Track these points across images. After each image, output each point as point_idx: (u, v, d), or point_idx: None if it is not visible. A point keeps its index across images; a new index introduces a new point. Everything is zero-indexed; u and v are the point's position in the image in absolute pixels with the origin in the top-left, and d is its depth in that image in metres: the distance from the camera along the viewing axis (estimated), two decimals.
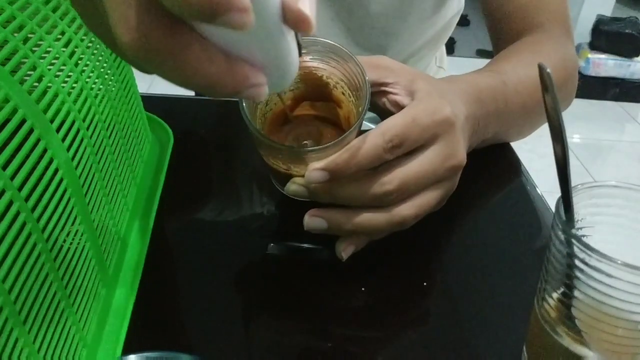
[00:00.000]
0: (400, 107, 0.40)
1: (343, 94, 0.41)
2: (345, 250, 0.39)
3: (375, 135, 0.36)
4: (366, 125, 0.40)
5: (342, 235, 0.39)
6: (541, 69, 0.26)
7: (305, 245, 0.43)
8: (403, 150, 0.37)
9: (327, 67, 0.40)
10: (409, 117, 0.37)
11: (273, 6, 0.19)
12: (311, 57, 0.39)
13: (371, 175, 0.37)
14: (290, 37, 0.22)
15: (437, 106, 0.39)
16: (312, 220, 0.38)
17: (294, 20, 0.20)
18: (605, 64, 2.71)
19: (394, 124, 0.37)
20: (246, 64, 0.21)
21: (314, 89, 0.41)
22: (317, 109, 0.43)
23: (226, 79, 0.20)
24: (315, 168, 0.36)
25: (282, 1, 0.19)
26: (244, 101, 0.36)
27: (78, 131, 0.34)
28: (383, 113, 0.42)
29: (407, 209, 0.38)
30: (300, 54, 0.23)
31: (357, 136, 0.37)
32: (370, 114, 0.40)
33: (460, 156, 0.40)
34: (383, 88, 0.41)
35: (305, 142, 0.42)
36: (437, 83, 0.43)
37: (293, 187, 0.38)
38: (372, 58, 0.42)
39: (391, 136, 0.36)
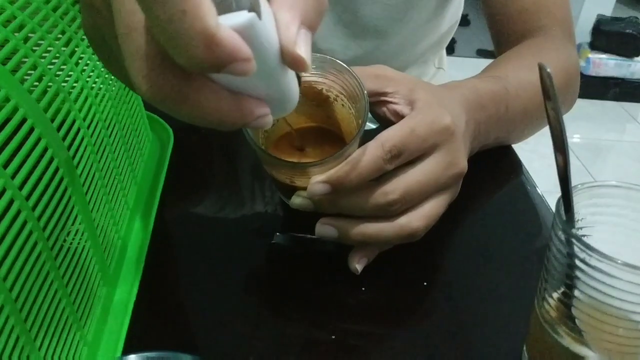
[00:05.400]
0: (400, 116, 0.40)
1: (343, 105, 0.41)
2: (359, 263, 0.39)
3: (375, 146, 0.36)
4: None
5: (350, 244, 0.39)
6: (541, 69, 0.26)
7: (310, 235, 0.43)
8: (402, 160, 0.37)
9: (326, 81, 0.40)
10: (407, 127, 0.38)
11: (272, 51, 0.22)
12: (310, 71, 0.40)
13: (374, 186, 0.37)
14: (289, 72, 0.24)
15: (436, 116, 0.39)
16: (323, 228, 0.38)
17: (291, 62, 0.22)
18: (606, 64, 2.71)
19: (392, 135, 0.37)
20: (251, 98, 0.23)
21: (314, 103, 0.42)
22: (319, 120, 0.43)
23: (234, 115, 0.23)
24: (317, 181, 0.36)
25: (280, 46, 0.22)
26: None
27: (78, 130, 0.34)
28: (383, 122, 0.42)
29: (417, 221, 0.38)
30: (299, 84, 0.26)
31: (358, 146, 0.37)
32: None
33: (462, 164, 0.40)
34: (383, 98, 0.41)
35: (307, 152, 0.42)
36: (437, 91, 0.43)
37: (297, 200, 0.38)
38: (372, 68, 0.42)
39: (390, 147, 0.36)
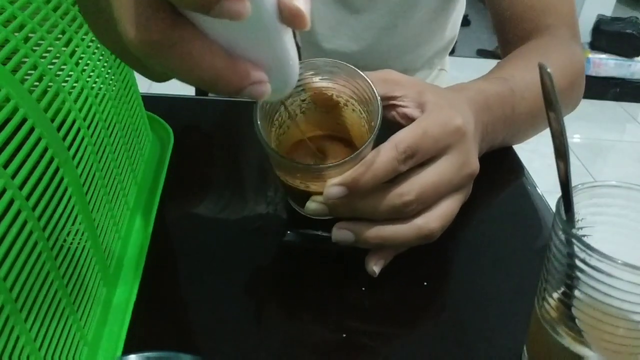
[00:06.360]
0: (410, 119, 0.40)
1: (354, 110, 0.41)
2: (376, 265, 0.39)
3: (389, 148, 0.36)
4: None
5: (366, 248, 0.39)
6: (542, 69, 0.26)
7: (322, 233, 0.43)
8: (416, 161, 0.37)
9: (336, 86, 0.40)
10: (420, 129, 0.38)
11: (269, 4, 0.20)
12: (320, 77, 0.40)
13: (389, 187, 0.37)
14: (287, 37, 0.23)
15: (447, 117, 0.39)
16: (340, 233, 0.38)
17: (290, 16, 0.21)
18: (606, 64, 2.71)
19: (405, 136, 0.37)
20: (248, 62, 0.22)
21: (324, 109, 0.42)
22: (329, 128, 0.43)
23: (229, 74, 0.21)
24: (333, 184, 0.36)
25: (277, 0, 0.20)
26: (259, 123, 0.37)
27: (79, 130, 0.34)
28: (393, 126, 0.42)
29: (433, 222, 0.38)
30: (300, 58, 0.24)
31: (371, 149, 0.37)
32: None
33: (474, 164, 0.41)
34: (392, 102, 0.41)
35: (321, 159, 0.42)
36: (445, 93, 0.43)
37: (313, 205, 0.38)
38: (379, 72, 0.42)
39: (404, 147, 0.37)
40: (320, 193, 0.37)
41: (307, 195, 0.38)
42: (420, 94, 0.41)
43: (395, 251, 0.40)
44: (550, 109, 0.27)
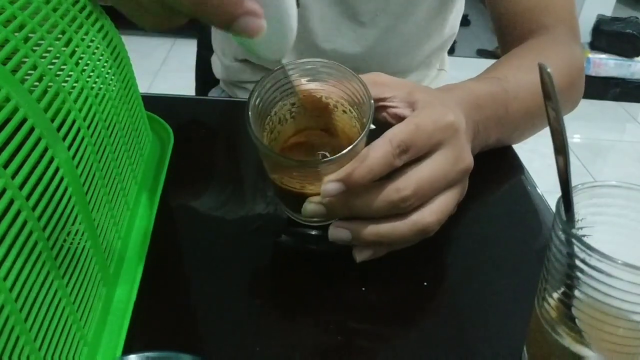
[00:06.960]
0: (401, 119, 0.40)
1: (344, 112, 0.41)
2: (360, 253, 0.39)
3: (383, 143, 0.37)
4: None
5: (364, 246, 0.39)
6: (541, 69, 0.26)
7: (314, 232, 0.43)
8: (410, 156, 0.38)
9: (325, 87, 0.40)
10: (412, 124, 0.38)
11: None
12: (308, 78, 0.40)
13: (386, 183, 0.37)
14: None
15: (439, 113, 0.39)
16: (336, 231, 0.38)
17: None
18: (606, 64, 2.70)
19: (399, 131, 0.37)
20: None
21: (314, 113, 0.42)
22: (320, 135, 0.43)
23: None
24: (330, 180, 0.36)
25: None
26: (253, 126, 0.37)
27: (79, 130, 0.34)
28: (384, 127, 0.42)
29: (429, 216, 0.38)
30: (297, 5, 0.24)
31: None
32: None
33: (468, 159, 0.41)
34: (382, 103, 0.42)
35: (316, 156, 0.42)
36: (434, 92, 0.43)
37: (310, 206, 0.38)
38: (368, 75, 0.42)
39: (398, 142, 0.37)
40: (317, 194, 0.37)
41: (303, 199, 0.38)
42: (410, 94, 0.41)
43: (390, 248, 0.40)
44: (550, 107, 0.27)
